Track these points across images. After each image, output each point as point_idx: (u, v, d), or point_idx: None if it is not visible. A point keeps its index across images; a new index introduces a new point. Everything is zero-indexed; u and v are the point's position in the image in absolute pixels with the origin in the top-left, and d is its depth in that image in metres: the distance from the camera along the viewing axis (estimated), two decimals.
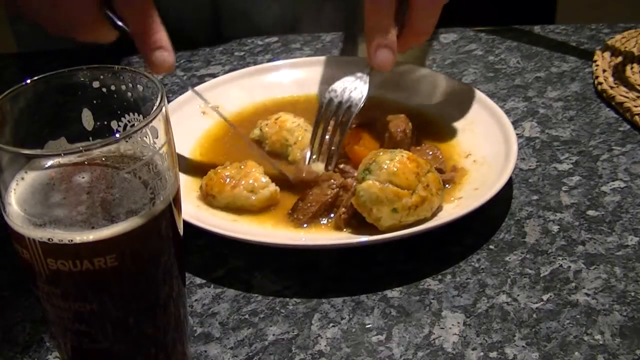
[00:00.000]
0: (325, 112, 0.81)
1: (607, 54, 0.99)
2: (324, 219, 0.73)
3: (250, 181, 0.75)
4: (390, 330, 0.62)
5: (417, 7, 0.76)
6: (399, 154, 0.70)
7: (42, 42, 1.13)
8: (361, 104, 0.80)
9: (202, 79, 0.99)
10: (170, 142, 0.47)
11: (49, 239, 0.43)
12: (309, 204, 0.73)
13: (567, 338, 0.60)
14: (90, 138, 0.49)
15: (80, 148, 0.43)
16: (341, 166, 0.77)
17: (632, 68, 0.96)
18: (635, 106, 0.87)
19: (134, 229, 0.44)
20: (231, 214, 0.74)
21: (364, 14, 0.77)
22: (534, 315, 0.63)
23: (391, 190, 0.68)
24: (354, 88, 0.81)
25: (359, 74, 0.82)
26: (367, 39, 0.78)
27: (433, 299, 0.65)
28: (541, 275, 0.67)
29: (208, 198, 0.75)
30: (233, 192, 0.74)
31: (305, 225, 0.73)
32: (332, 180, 0.74)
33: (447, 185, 0.76)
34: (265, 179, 0.75)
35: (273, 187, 0.75)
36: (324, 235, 0.72)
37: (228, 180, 0.75)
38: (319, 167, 0.79)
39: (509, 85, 0.97)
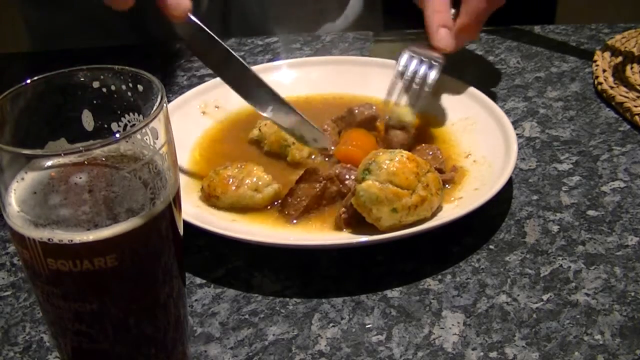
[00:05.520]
0: (406, 68, 0.83)
1: (607, 54, 0.99)
2: (313, 213, 0.74)
3: (254, 180, 0.75)
4: (390, 330, 0.62)
5: None
6: (399, 154, 0.70)
7: (57, 36, 1.13)
8: (436, 77, 0.82)
9: (202, 79, 0.99)
10: (170, 142, 0.47)
11: (49, 239, 0.43)
12: (298, 199, 0.74)
13: (567, 338, 0.60)
14: (91, 138, 0.49)
15: (81, 148, 0.43)
16: (337, 170, 0.77)
17: (632, 68, 0.96)
18: (635, 106, 0.87)
19: (134, 229, 0.44)
20: (232, 213, 0.75)
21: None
22: (534, 315, 0.63)
23: (391, 190, 0.68)
24: (430, 62, 0.83)
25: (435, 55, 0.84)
26: (428, 21, 0.82)
27: (433, 299, 0.65)
28: (541, 275, 0.67)
29: (211, 199, 0.75)
30: (237, 192, 0.74)
31: (294, 221, 0.73)
32: (318, 173, 0.75)
33: (447, 185, 0.76)
34: (267, 177, 0.75)
35: (276, 184, 0.76)
36: (324, 235, 0.72)
37: (231, 180, 0.75)
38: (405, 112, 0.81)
39: (509, 85, 0.97)
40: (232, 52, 0.76)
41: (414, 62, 0.84)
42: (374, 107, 0.86)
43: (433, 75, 0.83)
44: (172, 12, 0.71)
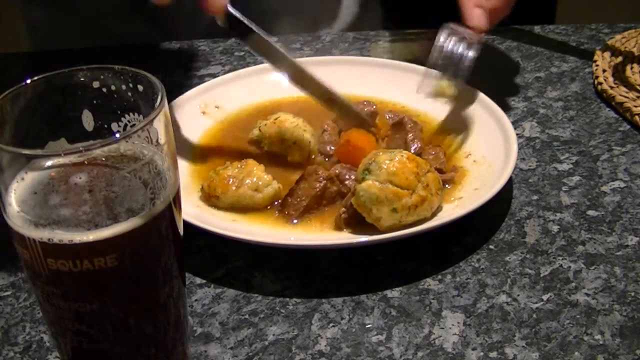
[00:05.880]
0: (445, 44, 0.83)
1: (607, 54, 0.99)
2: (313, 214, 0.74)
3: (254, 180, 0.75)
4: (390, 330, 0.62)
5: None
6: (399, 154, 0.70)
7: (57, 36, 1.13)
8: (475, 55, 0.82)
9: (202, 79, 0.99)
10: (170, 142, 0.47)
11: (49, 239, 0.43)
12: (298, 199, 0.74)
13: (567, 338, 0.60)
14: (91, 138, 0.49)
15: (81, 148, 0.43)
16: (337, 170, 0.77)
17: (632, 68, 0.96)
18: (635, 106, 0.87)
19: (134, 229, 0.44)
20: (232, 213, 0.75)
21: None
22: (534, 315, 0.63)
23: (391, 190, 0.68)
24: (468, 41, 0.83)
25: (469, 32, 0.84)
26: (463, 1, 0.83)
27: (433, 299, 0.65)
28: (541, 275, 0.67)
29: (212, 199, 0.75)
30: (238, 192, 0.74)
31: (295, 221, 0.73)
32: (318, 173, 0.75)
33: (447, 185, 0.76)
34: (267, 177, 0.75)
35: (276, 184, 0.76)
36: (324, 235, 0.72)
37: (231, 180, 0.75)
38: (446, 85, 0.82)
39: (509, 85, 0.97)
40: (269, 39, 0.81)
41: (453, 39, 0.84)
42: (375, 106, 0.86)
43: (471, 53, 0.83)
44: (210, 7, 0.76)
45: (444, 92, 0.81)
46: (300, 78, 0.83)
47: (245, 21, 0.79)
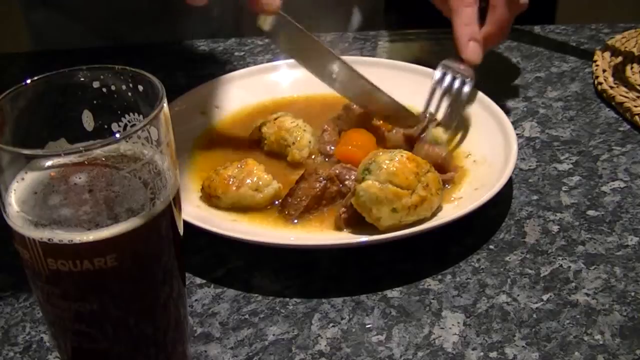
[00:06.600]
0: (441, 82, 0.86)
1: (607, 54, 0.99)
2: (313, 214, 0.74)
3: (255, 179, 0.75)
4: (390, 330, 0.62)
5: (496, 4, 0.85)
6: (399, 154, 0.70)
7: (57, 36, 1.13)
8: (468, 94, 0.85)
9: (202, 79, 0.99)
10: (170, 142, 0.47)
11: (49, 239, 0.43)
12: (298, 199, 0.74)
13: (567, 338, 0.60)
14: (90, 138, 0.49)
15: (81, 148, 0.43)
16: (337, 171, 0.77)
17: (632, 68, 0.96)
18: (635, 106, 0.87)
19: (134, 229, 0.44)
20: (233, 213, 0.75)
21: (452, 7, 0.85)
22: (534, 315, 0.63)
23: (391, 190, 0.68)
24: (464, 76, 0.85)
25: (463, 67, 0.86)
26: (458, 34, 0.85)
27: (433, 299, 0.65)
28: (541, 275, 0.67)
29: (212, 199, 0.75)
30: (238, 192, 0.74)
31: (295, 221, 0.73)
32: (318, 173, 0.75)
33: (447, 185, 0.76)
34: (268, 176, 0.75)
35: (276, 184, 0.76)
36: (324, 235, 0.72)
37: (232, 180, 0.75)
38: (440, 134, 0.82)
39: (509, 85, 0.97)
40: (321, 42, 0.82)
41: (447, 77, 0.86)
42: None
43: (466, 91, 0.85)
44: (264, 7, 0.77)
45: (437, 139, 0.82)
46: (349, 85, 0.84)
47: (295, 23, 0.79)
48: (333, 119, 0.86)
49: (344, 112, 0.86)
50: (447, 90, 0.85)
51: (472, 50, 0.85)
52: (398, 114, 0.84)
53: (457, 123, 0.85)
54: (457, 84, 0.85)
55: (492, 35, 0.87)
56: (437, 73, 0.86)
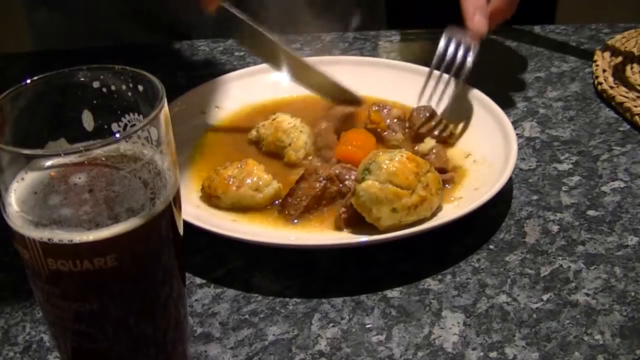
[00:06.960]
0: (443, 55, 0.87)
1: (607, 54, 0.99)
2: (313, 214, 0.74)
3: (255, 179, 0.75)
4: (390, 330, 0.62)
5: None
6: (399, 154, 0.70)
7: (57, 35, 1.13)
8: (471, 65, 0.85)
9: (202, 79, 0.99)
10: (170, 142, 0.47)
11: (49, 239, 0.43)
12: (298, 199, 0.74)
13: (567, 338, 0.60)
14: (90, 138, 0.49)
15: (81, 148, 0.43)
16: (337, 171, 0.77)
17: (632, 68, 0.96)
18: (635, 106, 0.87)
19: (134, 229, 0.44)
20: (233, 213, 0.75)
21: None
22: (534, 315, 0.63)
23: (391, 190, 0.68)
24: (466, 48, 0.86)
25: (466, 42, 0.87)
26: (464, 5, 0.86)
27: (433, 299, 0.65)
28: (541, 275, 0.67)
29: (212, 199, 0.75)
30: (238, 192, 0.74)
31: (295, 221, 0.73)
32: (318, 173, 0.75)
33: (447, 185, 0.76)
34: (268, 176, 0.75)
35: (276, 183, 0.76)
36: (324, 235, 0.72)
37: (232, 180, 0.75)
38: None
39: (509, 85, 0.97)
40: (262, 30, 0.85)
41: (452, 46, 0.86)
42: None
43: (470, 56, 0.85)
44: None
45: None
46: (296, 67, 0.86)
47: (237, 14, 0.82)
48: (326, 118, 0.86)
49: (327, 111, 0.86)
50: (450, 62, 0.85)
51: (478, 21, 0.85)
52: (335, 89, 0.87)
53: (457, 123, 0.85)
54: (459, 54, 0.85)
55: (500, 9, 0.87)
56: (443, 40, 0.87)
